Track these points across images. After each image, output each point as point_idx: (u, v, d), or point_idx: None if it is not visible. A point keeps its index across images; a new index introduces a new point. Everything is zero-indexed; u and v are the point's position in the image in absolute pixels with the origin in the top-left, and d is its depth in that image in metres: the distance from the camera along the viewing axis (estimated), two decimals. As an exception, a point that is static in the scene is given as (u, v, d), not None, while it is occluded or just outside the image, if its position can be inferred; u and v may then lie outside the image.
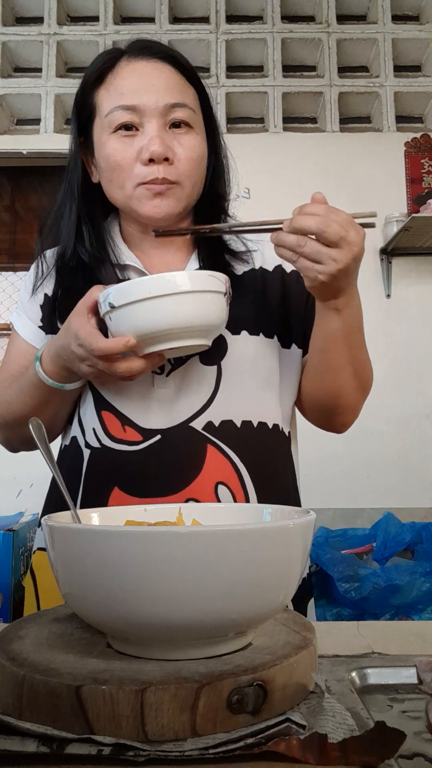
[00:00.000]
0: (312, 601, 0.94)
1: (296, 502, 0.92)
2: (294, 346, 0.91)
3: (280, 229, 0.72)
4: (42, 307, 0.93)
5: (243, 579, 0.44)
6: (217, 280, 0.74)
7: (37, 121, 2.64)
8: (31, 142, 2.62)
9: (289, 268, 0.92)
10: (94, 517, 0.62)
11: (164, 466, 0.81)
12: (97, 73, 0.86)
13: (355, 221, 0.71)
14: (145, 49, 0.85)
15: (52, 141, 2.54)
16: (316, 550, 2.00)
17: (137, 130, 0.82)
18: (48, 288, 0.93)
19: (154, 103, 0.81)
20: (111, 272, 0.88)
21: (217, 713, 0.41)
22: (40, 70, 2.64)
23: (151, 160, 0.80)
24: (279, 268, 0.92)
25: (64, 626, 0.55)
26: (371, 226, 0.73)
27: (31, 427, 0.67)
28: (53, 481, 0.91)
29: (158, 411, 0.83)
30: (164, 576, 0.43)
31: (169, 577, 0.43)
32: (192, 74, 0.87)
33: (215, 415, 0.84)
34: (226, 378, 0.85)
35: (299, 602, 0.88)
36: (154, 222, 0.85)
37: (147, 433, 0.83)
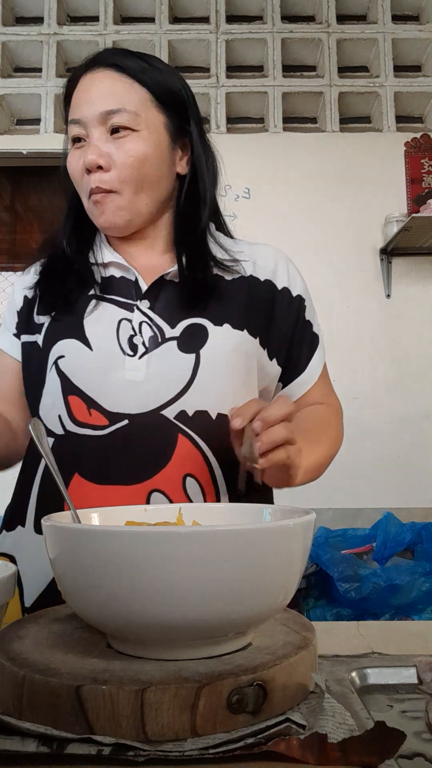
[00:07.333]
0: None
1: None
2: (275, 361, 0.90)
3: None
4: (19, 312, 0.95)
5: (243, 579, 0.44)
6: None
7: (37, 121, 2.65)
8: (31, 142, 2.62)
9: (280, 284, 0.91)
10: (94, 517, 0.62)
11: (130, 454, 0.78)
12: (65, 94, 0.89)
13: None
14: (92, 62, 0.86)
15: (52, 141, 2.54)
16: (316, 550, 2.01)
17: (85, 141, 0.85)
18: (28, 291, 0.94)
19: (92, 113, 0.83)
20: (89, 271, 0.90)
21: (217, 713, 0.41)
22: (40, 70, 2.65)
23: (89, 170, 0.83)
24: (269, 283, 0.91)
25: (64, 626, 0.55)
26: None
27: (30, 428, 0.67)
28: (18, 484, 0.88)
29: (128, 394, 0.80)
30: (164, 576, 0.43)
31: (169, 577, 0.43)
32: (142, 75, 0.84)
33: (189, 404, 0.80)
34: (204, 367, 0.81)
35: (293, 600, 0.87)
36: (109, 233, 0.89)
37: (113, 417, 0.79)
